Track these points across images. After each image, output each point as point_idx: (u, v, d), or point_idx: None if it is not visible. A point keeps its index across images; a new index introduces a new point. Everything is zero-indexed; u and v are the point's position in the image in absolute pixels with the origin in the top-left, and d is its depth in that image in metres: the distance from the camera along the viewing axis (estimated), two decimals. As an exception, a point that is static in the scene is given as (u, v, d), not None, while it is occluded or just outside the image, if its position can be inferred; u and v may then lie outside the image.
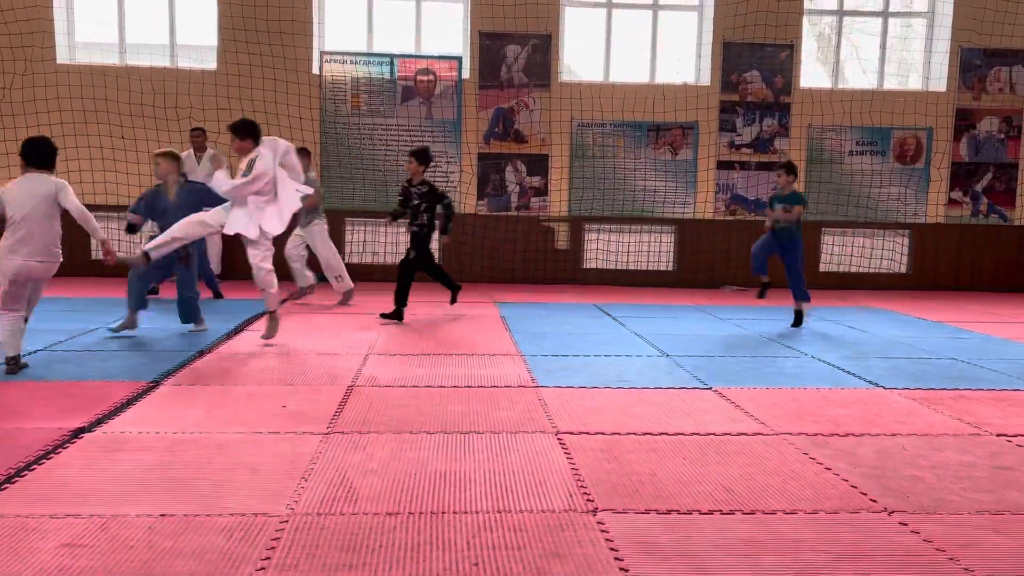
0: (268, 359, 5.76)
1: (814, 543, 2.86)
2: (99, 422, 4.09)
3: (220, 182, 6.06)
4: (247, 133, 6.07)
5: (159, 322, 7.01)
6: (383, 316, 7.59)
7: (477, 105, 11.00)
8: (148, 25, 10.78)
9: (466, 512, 3.06)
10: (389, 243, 11.06)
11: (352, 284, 8.83)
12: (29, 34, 10.17)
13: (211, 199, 6.39)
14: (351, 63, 10.81)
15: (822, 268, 11.55)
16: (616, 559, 2.69)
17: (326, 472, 3.45)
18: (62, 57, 10.44)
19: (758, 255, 7.74)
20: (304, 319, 7.58)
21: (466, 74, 10.99)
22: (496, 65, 10.98)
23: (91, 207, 10.44)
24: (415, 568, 2.60)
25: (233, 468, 3.47)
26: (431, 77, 10.92)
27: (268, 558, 2.62)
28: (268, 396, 4.71)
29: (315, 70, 10.76)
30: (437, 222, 7.77)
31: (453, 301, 8.29)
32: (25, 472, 3.34)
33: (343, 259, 9.56)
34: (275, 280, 6.19)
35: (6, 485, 3.19)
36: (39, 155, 5.22)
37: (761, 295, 7.90)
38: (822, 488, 3.41)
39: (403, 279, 7.64)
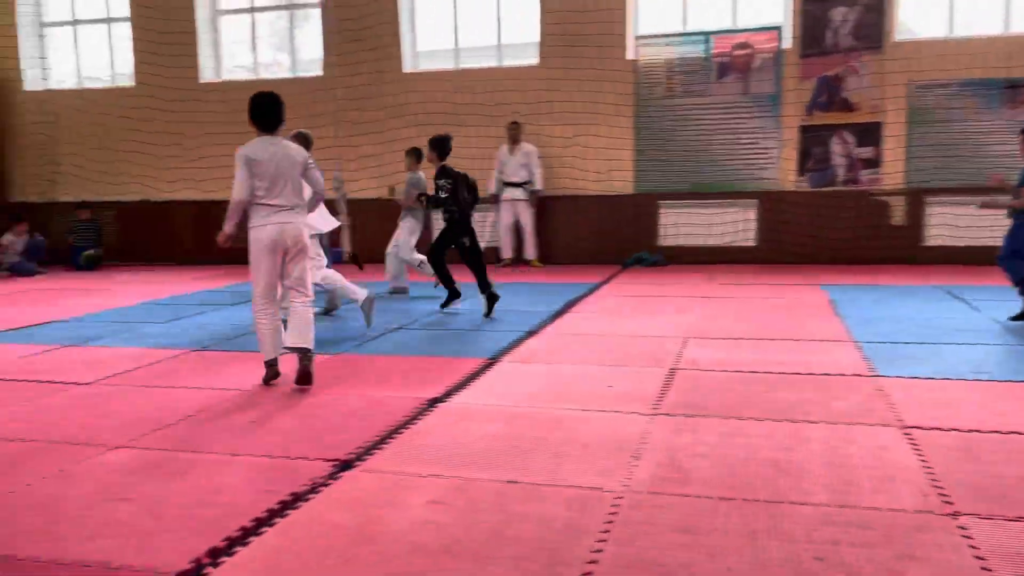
0: (592, 341, 5.97)
1: None
2: (449, 394, 4.54)
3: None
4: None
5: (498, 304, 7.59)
6: (442, 306, 7.26)
7: (799, 75, 10.40)
8: (478, 29, 11.65)
9: (804, 504, 2.93)
10: (702, 225, 10.89)
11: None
12: (380, 48, 11.50)
13: None
14: (665, 45, 10.78)
15: None
16: (984, 568, 2.42)
17: (655, 452, 3.50)
18: (407, 67, 11.67)
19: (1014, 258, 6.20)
20: (622, 301, 7.75)
21: (786, 43, 10.44)
22: (819, 31, 10.29)
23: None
24: (753, 555, 2.55)
25: (568, 443, 3.66)
26: (748, 51, 10.52)
27: (607, 531, 2.73)
28: (594, 376, 4.90)
29: (629, 55, 10.90)
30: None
31: (491, 309, 6.95)
32: (395, 435, 3.82)
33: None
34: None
35: (381, 445, 3.67)
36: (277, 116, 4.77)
37: None
38: None
39: (473, 265, 7.04)
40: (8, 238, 11.39)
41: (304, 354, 4.71)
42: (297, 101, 11.84)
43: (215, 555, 2.61)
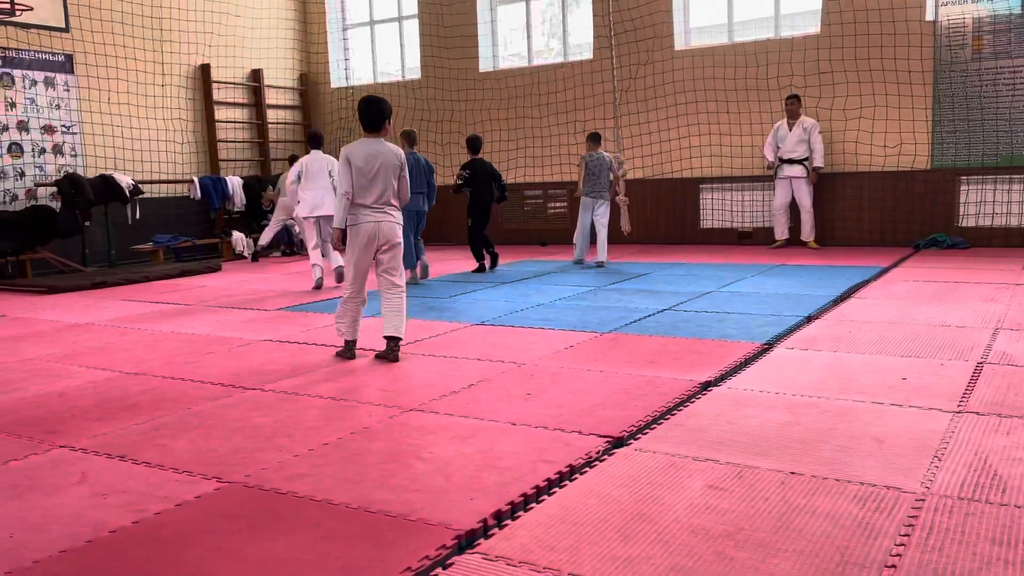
0: (881, 329, 5.50)
1: None
2: (723, 378, 4.40)
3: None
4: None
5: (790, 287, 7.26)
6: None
7: None
8: (755, 1, 11.12)
9: None
10: (1014, 202, 9.59)
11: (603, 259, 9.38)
12: (652, 26, 11.39)
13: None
14: (972, 2, 9.58)
15: None
16: None
17: (963, 454, 3.14)
18: (679, 44, 11.45)
19: None
20: (915, 287, 7.06)
21: None
22: None
23: (707, 180, 11.22)
24: (1093, 582, 2.20)
25: (857, 436, 3.39)
26: (1080, 0, 9.05)
27: (907, 535, 2.50)
28: (885, 366, 4.50)
29: (928, 17, 9.83)
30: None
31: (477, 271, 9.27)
32: (668, 416, 3.78)
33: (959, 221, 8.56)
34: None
35: (654, 425, 3.65)
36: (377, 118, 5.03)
37: None
38: None
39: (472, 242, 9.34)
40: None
41: (395, 342, 5.12)
42: (567, 85, 12.12)
43: (499, 517, 2.75)
